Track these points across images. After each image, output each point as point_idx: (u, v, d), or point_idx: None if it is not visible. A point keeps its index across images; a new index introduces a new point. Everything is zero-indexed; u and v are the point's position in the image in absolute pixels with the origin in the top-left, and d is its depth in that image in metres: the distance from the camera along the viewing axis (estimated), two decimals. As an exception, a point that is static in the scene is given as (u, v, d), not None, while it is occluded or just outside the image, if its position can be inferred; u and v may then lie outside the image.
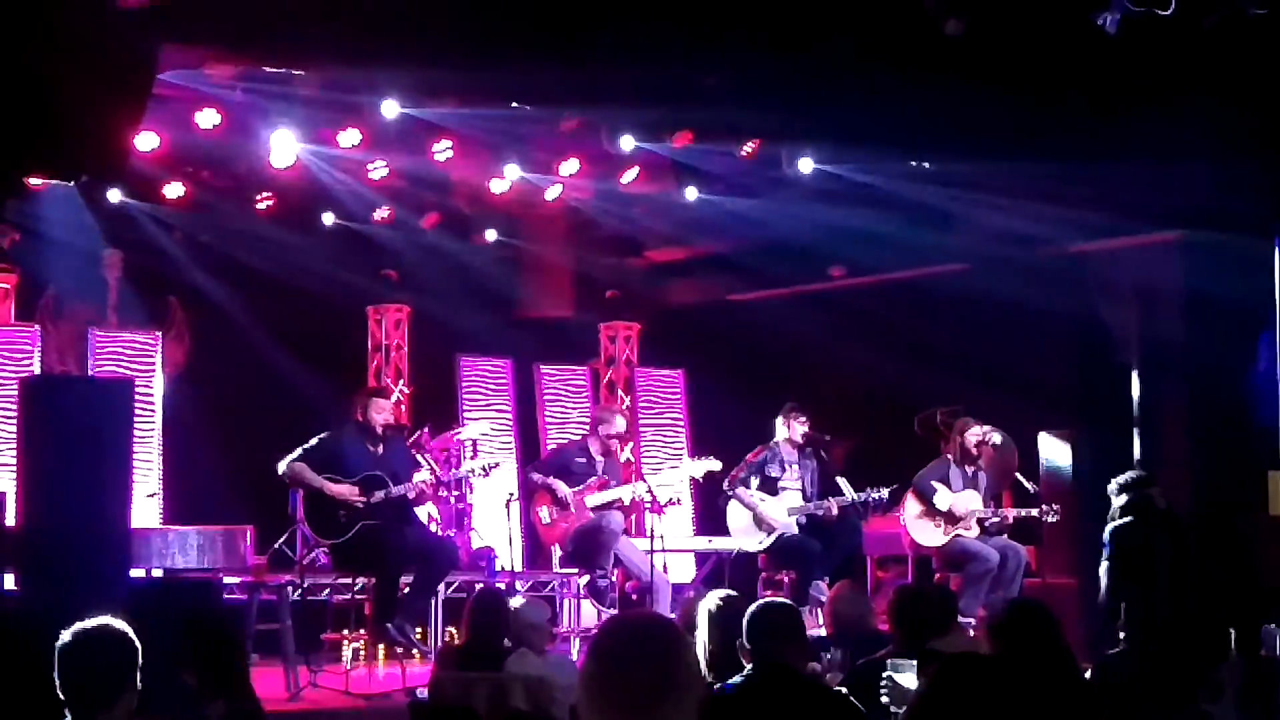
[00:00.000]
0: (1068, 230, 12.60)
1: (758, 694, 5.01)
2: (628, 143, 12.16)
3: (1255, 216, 11.55)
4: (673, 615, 8.45)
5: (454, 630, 11.31)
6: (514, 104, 11.38)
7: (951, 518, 11.21)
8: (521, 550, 11.86)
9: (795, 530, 11.36)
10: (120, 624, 4.49)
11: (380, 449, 10.16)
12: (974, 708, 2.91)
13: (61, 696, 4.34)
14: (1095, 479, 12.06)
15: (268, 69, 10.59)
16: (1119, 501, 9.38)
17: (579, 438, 12.16)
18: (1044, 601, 5.56)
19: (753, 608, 5.54)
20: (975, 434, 11.41)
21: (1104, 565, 9.15)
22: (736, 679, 5.12)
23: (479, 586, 9.39)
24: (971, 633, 9.91)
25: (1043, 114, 10.49)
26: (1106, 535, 9.30)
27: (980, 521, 11.24)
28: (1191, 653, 7.07)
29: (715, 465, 11.52)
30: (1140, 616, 7.68)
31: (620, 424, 11.67)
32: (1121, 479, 9.48)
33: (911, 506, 11.37)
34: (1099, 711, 5.20)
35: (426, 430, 12.08)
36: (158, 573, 10.17)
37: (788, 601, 6.28)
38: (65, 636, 4.42)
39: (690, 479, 12.28)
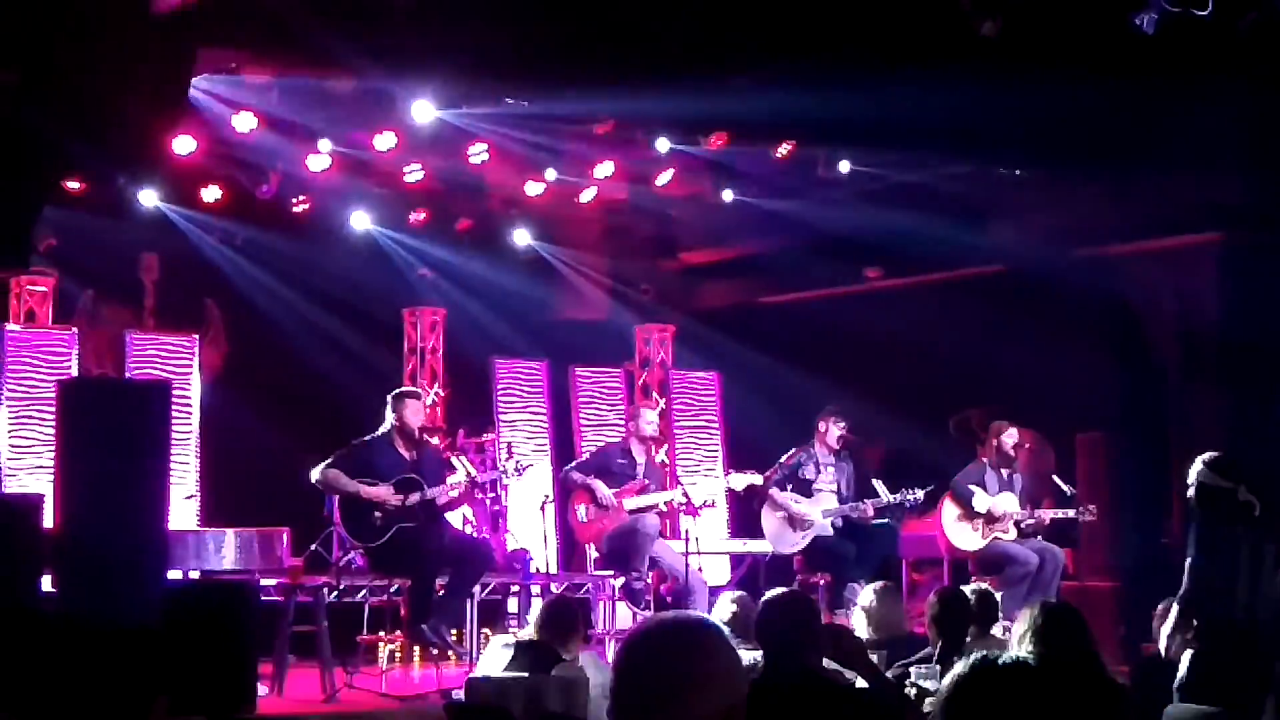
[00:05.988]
0: (1105, 232, 12.52)
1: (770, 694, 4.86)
2: (663, 145, 12.16)
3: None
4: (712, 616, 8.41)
5: (489, 632, 11.34)
6: (548, 107, 11.38)
7: (989, 520, 11.15)
8: (557, 552, 11.85)
9: (830, 532, 11.32)
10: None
11: (414, 454, 10.16)
12: (997, 710, 2.88)
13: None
14: (1132, 482, 12.02)
15: (304, 73, 10.63)
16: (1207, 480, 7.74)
17: (620, 439, 12.13)
18: (1074, 605, 5.46)
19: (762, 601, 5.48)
20: (1011, 436, 11.35)
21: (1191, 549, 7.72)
22: None
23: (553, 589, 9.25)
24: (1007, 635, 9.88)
25: (1079, 115, 10.44)
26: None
27: (1017, 524, 11.19)
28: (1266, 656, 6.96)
29: (756, 480, 11.41)
30: (1220, 614, 7.35)
31: (651, 419, 11.60)
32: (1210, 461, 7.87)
33: (949, 510, 11.32)
34: (1131, 713, 5.14)
35: (462, 432, 12.09)
36: (195, 574, 10.24)
37: (799, 592, 6.24)
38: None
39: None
